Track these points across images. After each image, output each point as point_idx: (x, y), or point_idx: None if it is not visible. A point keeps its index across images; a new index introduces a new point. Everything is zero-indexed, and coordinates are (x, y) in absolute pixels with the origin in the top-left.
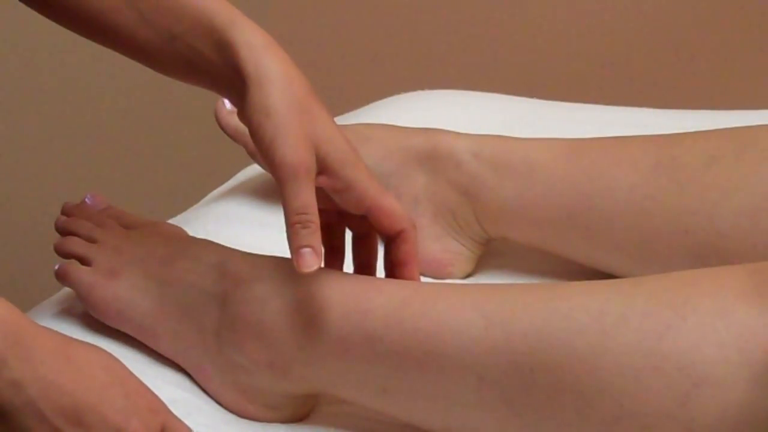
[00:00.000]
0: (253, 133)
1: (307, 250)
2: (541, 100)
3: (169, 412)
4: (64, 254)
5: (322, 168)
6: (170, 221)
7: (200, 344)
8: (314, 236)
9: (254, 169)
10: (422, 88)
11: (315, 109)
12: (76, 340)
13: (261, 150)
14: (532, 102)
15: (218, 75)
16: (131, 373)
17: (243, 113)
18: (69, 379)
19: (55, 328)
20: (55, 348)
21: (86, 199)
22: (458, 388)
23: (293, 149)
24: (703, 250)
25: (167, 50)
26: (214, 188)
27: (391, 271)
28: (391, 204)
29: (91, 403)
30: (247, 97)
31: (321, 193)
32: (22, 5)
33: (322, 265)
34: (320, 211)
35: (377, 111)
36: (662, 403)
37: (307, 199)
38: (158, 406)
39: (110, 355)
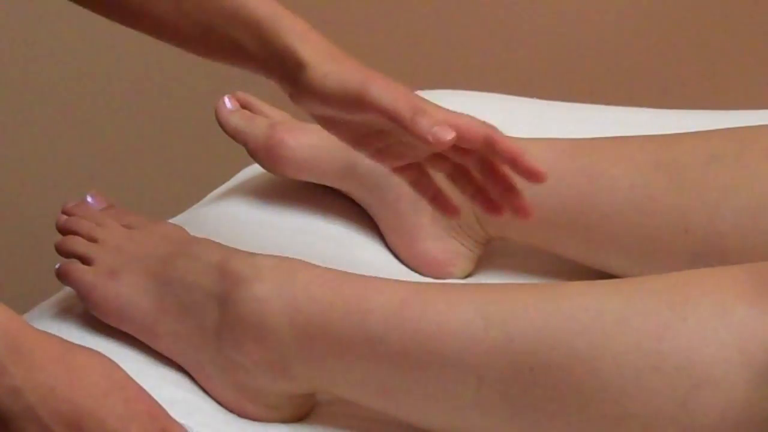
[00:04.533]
0: (321, 94)
1: (438, 127)
2: (541, 100)
3: (169, 417)
4: (65, 253)
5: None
6: (170, 221)
7: (200, 344)
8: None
9: (254, 169)
10: (422, 88)
11: (368, 68)
12: (76, 345)
13: (338, 97)
14: (532, 102)
15: (258, 61)
16: (131, 378)
17: (297, 90)
18: (68, 385)
19: (55, 328)
20: (55, 354)
21: (87, 199)
22: (458, 388)
23: (368, 77)
24: (703, 250)
25: (206, 40)
26: (214, 188)
27: (507, 184)
28: (463, 118)
29: (90, 409)
30: (302, 76)
31: (398, 148)
32: (21, 3)
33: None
34: (403, 168)
35: None
36: (662, 404)
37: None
38: (158, 411)
39: (110, 360)
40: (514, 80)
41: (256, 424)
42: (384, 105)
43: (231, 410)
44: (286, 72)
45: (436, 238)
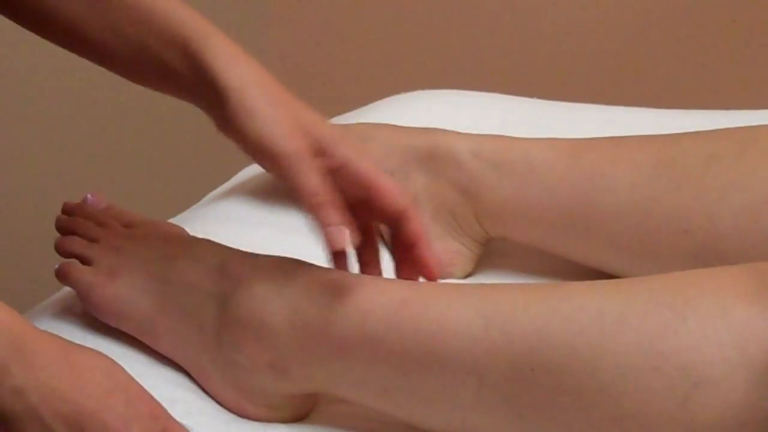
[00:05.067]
0: (241, 135)
1: (334, 228)
2: (541, 100)
3: (170, 417)
4: (65, 253)
5: (317, 150)
6: (170, 221)
7: (200, 344)
8: (338, 212)
9: (254, 169)
10: (422, 88)
11: (295, 101)
12: (78, 345)
13: (256, 150)
14: (532, 102)
15: (188, 86)
16: (132, 379)
17: (223, 122)
18: (70, 385)
19: (55, 328)
20: (57, 354)
21: (87, 199)
22: (458, 389)
23: (289, 138)
24: (703, 250)
25: (137, 60)
26: (214, 188)
27: (404, 257)
28: (389, 181)
29: (91, 410)
30: (225, 105)
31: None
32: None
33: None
34: None
35: (377, 111)
36: (662, 404)
37: (318, 179)
38: (159, 411)
39: (112, 360)
40: (514, 80)
41: (256, 424)
42: (295, 182)
43: (231, 410)
44: (210, 98)
45: (436, 237)
